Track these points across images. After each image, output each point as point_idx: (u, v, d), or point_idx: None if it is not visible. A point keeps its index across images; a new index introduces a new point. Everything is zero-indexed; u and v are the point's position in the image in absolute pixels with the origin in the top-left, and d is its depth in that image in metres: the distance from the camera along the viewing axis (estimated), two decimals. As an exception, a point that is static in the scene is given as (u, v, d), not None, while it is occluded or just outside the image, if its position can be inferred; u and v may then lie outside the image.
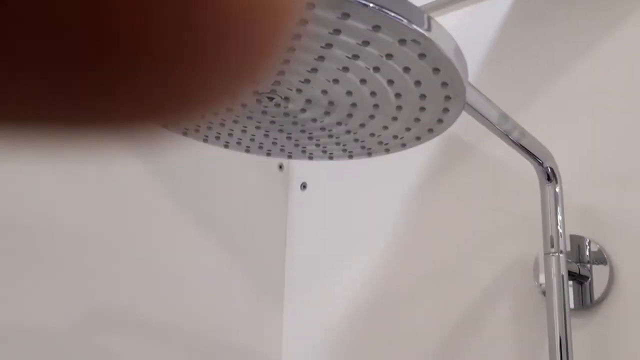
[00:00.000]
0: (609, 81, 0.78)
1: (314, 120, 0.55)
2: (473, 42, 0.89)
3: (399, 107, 0.51)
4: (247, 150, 0.62)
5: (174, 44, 0.11)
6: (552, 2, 0.85)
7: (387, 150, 0.59)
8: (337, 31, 0.42)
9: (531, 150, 0.66)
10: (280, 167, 1.02)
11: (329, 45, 0.44)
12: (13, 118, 0.12)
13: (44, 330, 0.70)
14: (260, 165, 0.99)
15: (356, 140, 0.57)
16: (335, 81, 0.49)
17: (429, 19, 0.43)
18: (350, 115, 0.53)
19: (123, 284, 0.78)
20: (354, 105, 0.52)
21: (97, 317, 0.75)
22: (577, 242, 0.75)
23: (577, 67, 0.81)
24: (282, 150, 0.62)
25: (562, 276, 0.66)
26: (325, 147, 0.60)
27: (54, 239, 0.72)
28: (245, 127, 0.57)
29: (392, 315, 0.88)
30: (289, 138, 0.59)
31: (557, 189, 0.68)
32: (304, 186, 1.01)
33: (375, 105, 0.51)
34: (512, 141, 0.64)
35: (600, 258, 0.73)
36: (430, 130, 0.54)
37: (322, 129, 0.56)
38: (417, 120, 0.53)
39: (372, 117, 0.53)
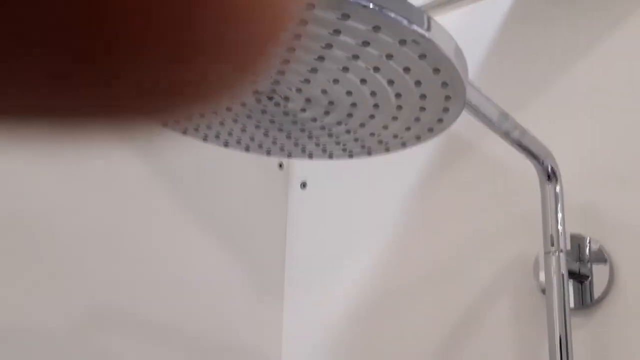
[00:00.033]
0: (609, 80, 0.78)
1: (314, 119, 0.55)
2: (473, 41, 0.89)
3: (399, 107, 0.51)
4: (247, 149, 0.62)
5: (174, 43, 0.11)
6: (552, 2, 0.84)
7: (387, 150, 0.59)
8: (337, 32, 0.42)
9: (531, 149, 0.66)
10: (280, 165, 1.02)
11: (329, 46, 0.44)
12: (15, 112, 0.12)
13: (44, 330, 0.70)
14: (260, 164, 0.99)
15: (356, 139, 0.57)
16: (335, 81, 0.49)
17: (429, 19, 0.43)
18: (350, 115, 0.53)
19: (123, 284, 0.78)
20: (354, 105, 0.52)
21: (97, 317, 0.75)
22: (578, 241, 0.75)
23: (577, 66, 0.81)
24: (281, 149, 0.62)
25: (562, 275, 0.66)
26: (325, 146, 0.60)
27: (54, 239, 0.72)
28: (245, 126, 0.57)
29: (392, 315, 0.88)
30: (288, 137, 0.59)
31: (558, 188, 0.68)
32: (303, 185, 1.01)
33: (375, 105, 0.51)
34: (513, 140, 0.63)
35: (601, 257, 0.73)
36: (430, 130, 0.54)
37: (322, 128, 0.56)
38: (417, 119, 0.53)
39: (372, 116, 0.53)
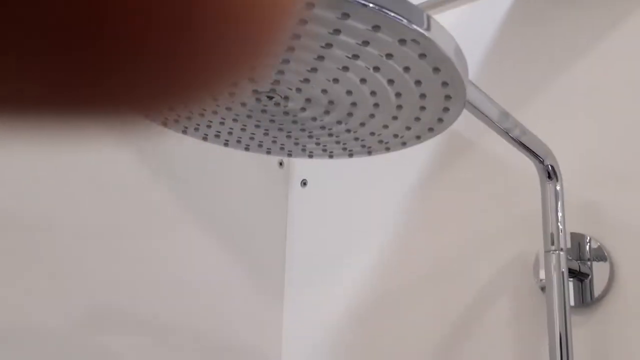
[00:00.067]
0: (610, 79, 0.78)
1: (314, 119, 0.55)
2: (473, 40, 0.88)
3: (399, 107, 0.51)
4: (247, 149, 0.62)
5: (173, 43, 0.11)
6: (553, 1, 0.84)
7: (388, 149, 0.59)
8: (337, 31, 0.42)
9: (532, 148, 0.66)
10: (281, 164, 1.02)
11: (328, 45, 0.44)
12: (14, 108, 0.12)
13: (43, 330, 0.70)
14: (260, 163, 0.99)
15: (356, 139, 0.57)
16: (335, 80, 0.49)
17: (429, 18, 0.43)
18: (350, 114, 0.53)
19: (123, 283, 0.78)
20: (354, 104, 0.52)
21: (96, 317, 0.75)
22: (578, 240, 0.75)
23: (578, 65, 0.80)
24: (281, 148, 0.62)
25: (563, 273, 0.66)
26: (325, 145, 0.60)
27: (54, 239, 0.72)
28: (245, 125, 0.57)
29: (393, 314, 0.88)
30: (288, 136, 0.59)
31: (558, 187, 0.68)
32: (304, 183, 1.01)
33: (376, 105, 0.51)
34: (513, 139, 0.63)
35: (601, 255, 0.73)
36: (431, 129, 0.54)
37: (322, 127, 0.56)
38: (417, 119, 0.52)
39: (372, 116, 0.53)
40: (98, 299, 0.75)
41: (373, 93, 0.50)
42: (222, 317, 0.89)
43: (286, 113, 0.54)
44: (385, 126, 0.54)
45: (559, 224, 0.67)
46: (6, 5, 0.10)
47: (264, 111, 0.54)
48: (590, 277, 0.73)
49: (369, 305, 0.90)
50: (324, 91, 0.50)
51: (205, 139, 0.60)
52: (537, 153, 0.67)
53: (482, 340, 0.80)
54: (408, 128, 0.54)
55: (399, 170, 0.92)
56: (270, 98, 0.52)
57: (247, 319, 0.92)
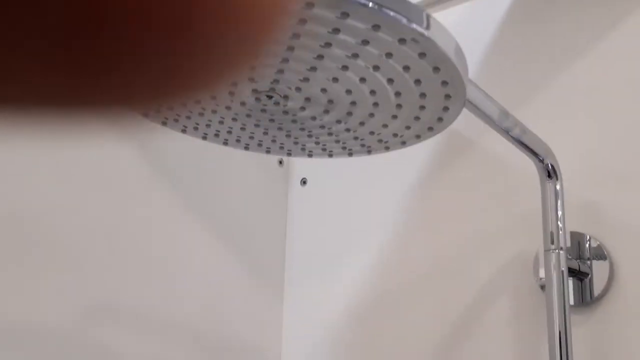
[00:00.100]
0: (610, 78, 0.78)
1: (314, 118, 0.55)
2: (473, 38, 0.88)
3: (399, 106, 0.51)
4: (246, 148, 0.62)
5: (173, 42, 0.12)
6: (552, 0, 0.84)
7: (387, 148, 0.59)
8: (337, 30, 0.42)
9: (532, 147, 0.66)
10: (280, 162, 1.02)
11: (328, 45, 0.44)
12: (12, 102, 0.12)
13: (43, 329, 0.70)
14: (260, 161, 0.99)
15: (356, 138, 0.57)
16: (335, 80, 0.48)
17: (429, 17, 0.42)
18: (349, 114, 0.53)
19: (122, 283, 0.78)
20: (353, 103, 0.52)
21: (96, 316, 0.75)
22: (578, 239, 0.75)
23: (578, 64, 0.80)
24: (281, 147, 0.62)
25: (562, 272, 0.66)
26: (324, 144, 0.59)
27: (54, 238, 0.72)
28: (245, 124, 0.57)
29: (392, 312, 0.88)
30: (288, 136, 0.59)
31: (558, 186, 0.68)
32: (304, 182, 1.01)
33: (375, 104, 0.51)
34: (513, 138, 0.63)
35: (601, 254, 0.73)
36: (430, 129, 0.54)
37: (322, 127, 0.56)
38: (417, 118, 0.52)
39: (371, 115, 0.53)
40: (98, 298, 0.75)
41: (373, 92, 0.50)
42: (222, 315, 0.89)
43: (286, 112, 0.54)
44: (385, 125, 0.54)
45: (558, 223, 0.67)
46: (7, 5, 0.10)
47: (263, 110, 0.54)
48: (590, 276, 0.73)
49: (368, 303, 0.90)
50: (324, 90, 0.50)
51: (204, 138, 0.60)
52: (537, 152, 0.67)
53: (481, 339, 0.80)
54: (408, 127, 0.54)
55: (399, 169, 0.92)
56: (270, 97, 0.52)
57: (246, 317, 0.92)
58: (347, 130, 0.56)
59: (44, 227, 0.72)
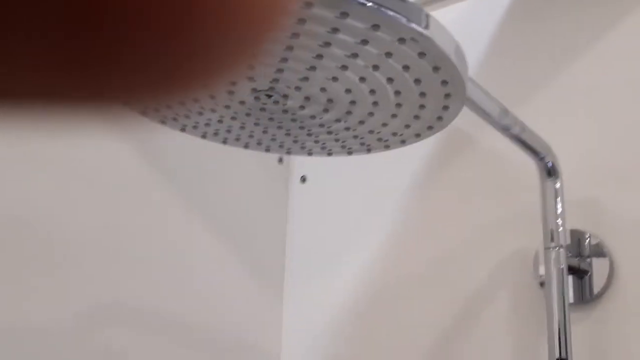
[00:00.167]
0: (610, 76, 0.77)
1: (313, 117, 0.55)
2: (473, 36, 0.88)
3: (399, 105, 0.51)
4: (246, 147, 0.62)
5: (172, 41, 0.12)
6: (553, -5, 0.84)
7: (387, 147, 0.58)
8: (336, 30, 0.42)
9: (532, 145, 0.66)
10: (280, 160, 1.02)
11: (327, 44, 0.44)
12: (11, 96, 0.12)
13: (43, 329, 0.70)
14: (260, 159, 0.99)
15: (355, 137, 0.57)
16: (334, 79, 0.48)
17: (428, 17, 0.42)
18: (349, 113, 0.53)
19: (122, 281, 0.78)
20: (353, 102, 0.51)
21: (96, 316, 0.75)
22: (577, 237, 0.75)
23: (578, 62, 0.80)
24: (280, 146, 0.62)
25: (562, 270, 0.66)
26: (324, 143, 0.59)
27: (54, 237, 0.72)
28: (244, 123, 0.57)
29: (392, 309, 0.88)
30: (287, 134, 0.59)
31: (558, 184, 0.68)
32: (303, 179, 1.01)
33: (375, 103, 0.51)
34: (513, 136, 0.63)
35: (600, 252, 0.73)
36: (430, 128, 0.54)
37: (321, 125, 0.56)
38: (416, 117, 0.52)
39: (371, 114, 0.53)
40: (97, 298, 0.75)
41: (372, 91, 0.49)
42: (222, 312, 0.89)
43: (285, 111, 0.54)
44: (385, 124, 0.54)
45: (558, 220, 0.67)
46: (7, 4, 0.10)
47: (262, 109, 0.54)
48: (589, 274, 0.73)
49: (368, 300, 0.90)
50: (323, 89, 0.50)
51: (204, 137, 0.60)
52: (537, 150, 0.67)
53: (481, 336, 0.80)
54: (407, 126, 0.54)
55: (399, 166, 0.91)
56: (269, 96, 0.52)
57: (247, 314, 0.92)
58: (347, 129, 0.56)
59: (44, 227, 0.72)
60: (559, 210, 0.68)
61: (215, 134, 0.59)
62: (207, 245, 0.89)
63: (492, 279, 0.81)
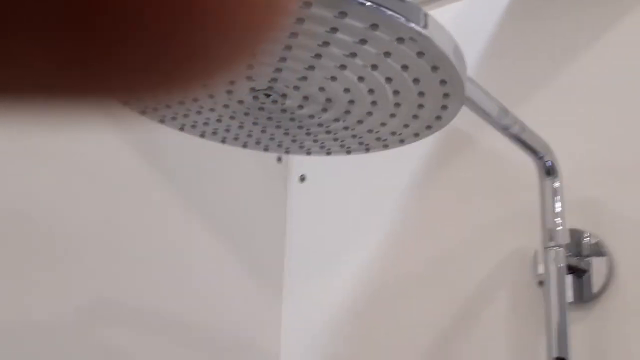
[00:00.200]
0: (609, 76, 0.77)
1: (312, 116, 0.55)
2: (472, 35, 0.88)
3: (397, 104, 0.51)
4: (245, 146, 0.62)
5: (171, 40, 0.12)
6: (552, -6, 0.84)
7: (386, 147, 0.58)
8: (334, 29, 0.42)
9: (531, 145, 0.66)
10: (279, 159, 1.02)
11: (326, 44, 0.43)
12: (9, 91, 0.12)
13: (43, 327, 0.70)
14: (259, 158, 0.99)
15: (354, 136, 0.57)
16: (333, 78, 0.48)
17: (426, 16, 0.42)
18: (348, 112, 0.53)
19: (121, 280, 0.78)
20: (351, 102, 0.51)
21: (95, 315, 0.75)
22: (576, 236, 0.75)
23: (577, 61, 0.80)
24: (279, 145, 0.61)
25: (561, 269, 0.66)
26: (323, 142, 0.59)
27: (54, 235, 0.72)
28: (243, 123, 0.57)
29: (391, 308, 0.88)
30: (286, 134, 0.59)
31: (557, 184, 0.68)
32: (302, 178, 1.01)
33: (373, 102, 0.51)
34: (512, 135, 0.63)
35: (599, 252, 0.73)
36: (429, 127, 0.54)
37: (320, 125, 0.56)
38: (415, 117, 0.52)
39: (370, 113, 0.53)
40: (97, 297, 0.75)
41: (371, 91, 0.49)
42: (221, 311, 0.89)
43: (284, 110, 0.54)
44: (383, 124, 0.54)
45: (557, 220, 0.67)
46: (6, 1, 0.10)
47: (261, 109, 0.54)
48: (588, 273, 0.73)
49: (367, 299, 0.90)
50: (322, 89, 0.50)
51: (202, 136, 0.60)
52: (536, 149, 0.67)
53: (480, 335, 0.80)
54: (406, 126, 0.54)
55: (398, 166, 0.91)
56: (268, 96, 0.52)
57: (246, 313, 0.92)
58: (345, 128, 0.56)
59: (45, 221, 0.72)
60: (558, 210, 0.68)
61: (214, 133, 0.59)
62: (206, 244, 0.89)
63: (491, 278, 0.81)
